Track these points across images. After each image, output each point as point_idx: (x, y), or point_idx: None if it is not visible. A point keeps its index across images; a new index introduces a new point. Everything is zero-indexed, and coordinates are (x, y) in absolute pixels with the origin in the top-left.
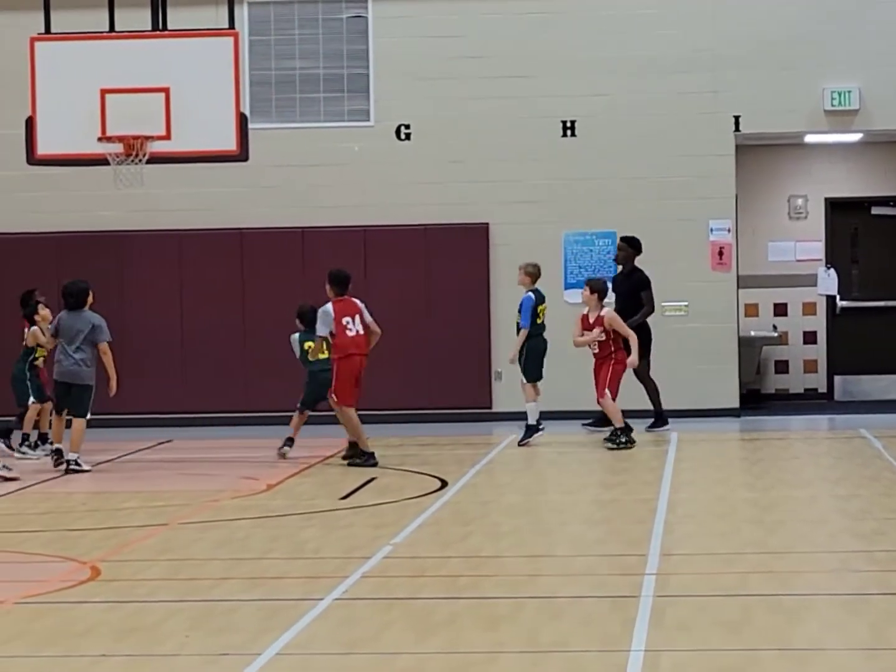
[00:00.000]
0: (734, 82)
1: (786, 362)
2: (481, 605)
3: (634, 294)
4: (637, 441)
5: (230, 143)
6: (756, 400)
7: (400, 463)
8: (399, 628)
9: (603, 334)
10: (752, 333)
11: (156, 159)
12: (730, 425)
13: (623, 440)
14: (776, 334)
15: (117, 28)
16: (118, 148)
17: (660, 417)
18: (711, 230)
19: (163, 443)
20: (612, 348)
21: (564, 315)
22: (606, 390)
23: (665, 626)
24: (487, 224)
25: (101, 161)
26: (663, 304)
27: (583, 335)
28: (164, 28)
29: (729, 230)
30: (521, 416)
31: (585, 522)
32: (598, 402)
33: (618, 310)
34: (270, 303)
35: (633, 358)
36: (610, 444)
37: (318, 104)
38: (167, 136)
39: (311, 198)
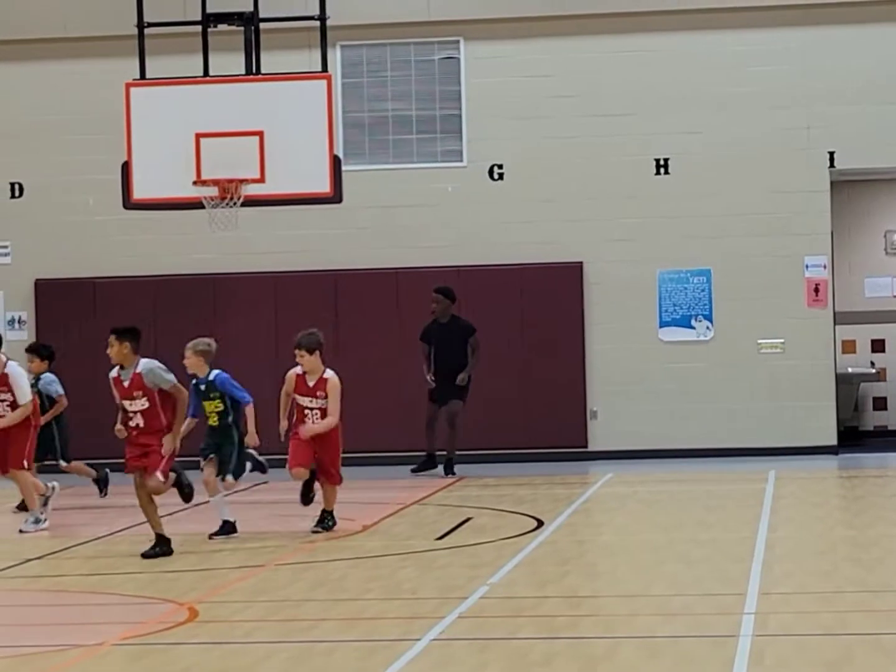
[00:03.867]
0: (828, 118)
1: (884, 399)
2: (578, 646)
3: (461, 342)
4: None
5: (324, 186)
6: (854, 437)
7: (496, 503)
8: (495, 668)
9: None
10: (850, 370)
11: (250, 202)
12: (828, 463)
13: (330, 523)
14: (874, 371)
15: (211, 72)
16: (213, 191)
17: (450, 462)
18: (807, 266)
19: (258, 484)
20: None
21: (661, 353)
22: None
23: (765, 666)
24: (581, 263)
25: (196, 205)
26: (759, 341)
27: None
28: (258, 72)
29: (825, 266)
30: (619, 455)
31: (682, 561)
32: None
33: (441, 361)
34: (365, 344)
35: (317, 428)
36: (317, 529)
37: (411, 145)
38: (261, 180)
39: (404, 238)
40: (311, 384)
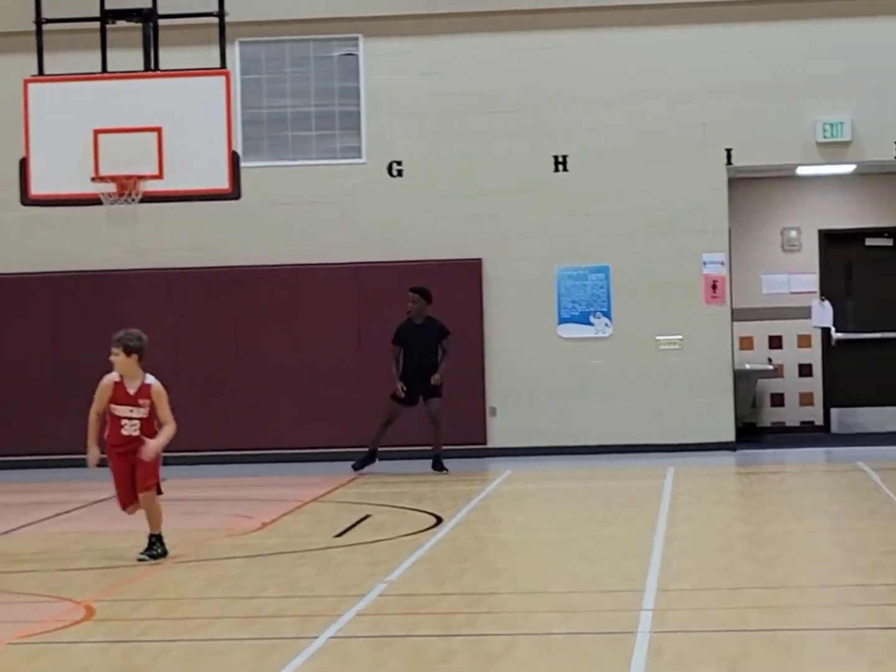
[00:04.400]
0: (725, 115)
1: (781, 395)
2: (476, 643)
3: (434, 343)
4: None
5: (222, 182)
6: (752, 433)
7: (395, 500)
8: (393, 666)
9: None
10: (748, 366)
11: (149, 198)
12: (726, 459)
13: (160, 550)
14: (771, 367)
15: (110, 69)
16: (111, 188)
17: (437, 459)
18: (705, 263)
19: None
20: (157, 427)
21: (560, 349)
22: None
23: (662, 663)
24: (480, 259)
25: (94, 201)
26: (657, 338)
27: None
28: (156, 68)
29: (722, 263)
30: (518, 451)
31: (581, 558)
32: (138, 504)
33: (416, 362)
34: (263, 341)
35: (161, 442)
36: (143, 556)
37: (310, 142)
38: (160, 176)
39: (303, 235)
40: (131, 392)
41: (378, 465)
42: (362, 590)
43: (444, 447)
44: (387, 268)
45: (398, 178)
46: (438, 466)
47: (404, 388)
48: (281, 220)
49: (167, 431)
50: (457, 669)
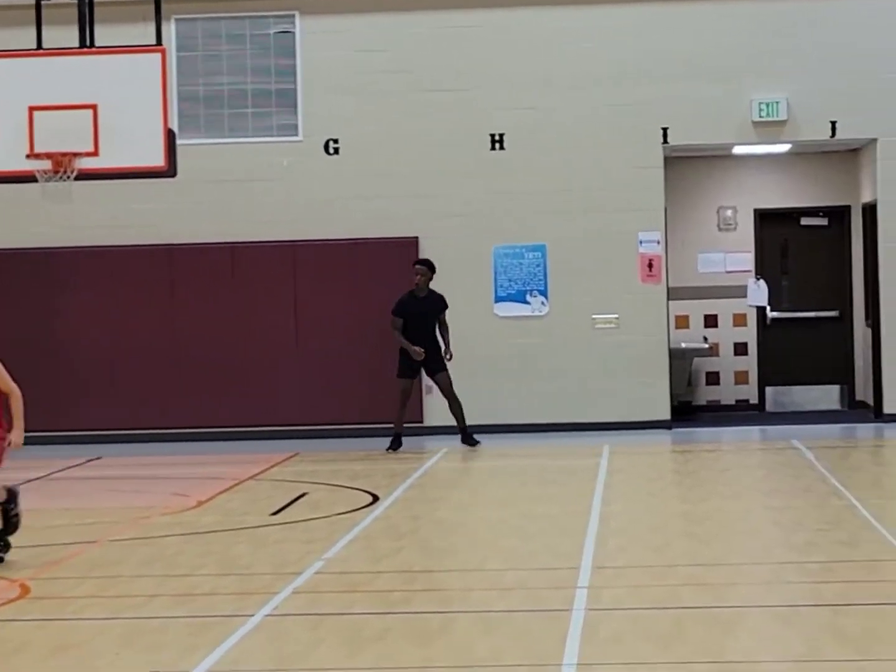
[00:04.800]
0: (661, 95)
1: (717, 374)
2: (413, 620)
3: (434, 317)
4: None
5: (158, 159)
6: (687, 412)
7: (332, 478)
8: (330, 644)
9: None
10: (683, 345)
11: (84, 176)
12: (661, 437)
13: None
14: (707, 346)
15: (45, 46)
16: (46, 165)
17: (465, 433)
18: (641, 242)
19: (92, 460)
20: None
21: (496, 328)
22: None
23: (598, 640)
24: (417, 238)
25: (29, 178)
26: (594, 316)
27: None
28: (92, 45)
29: (658, 242)
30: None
31: (518, 536)
32: None
33: (419, 335)
34: (200, 319)
35: (21, 426)
36: None
37: (246, 119)
38: (95, 153)
39: (240, 213)
40: None
41: (315, 443)
42: (298, 568)
43: (381, 425)
44: (323, 246)
45: (335, 156)
46: (470, 440)
47: (422, 350)
48: (217, 198)
49: (17, 406)
50: (393, 647)
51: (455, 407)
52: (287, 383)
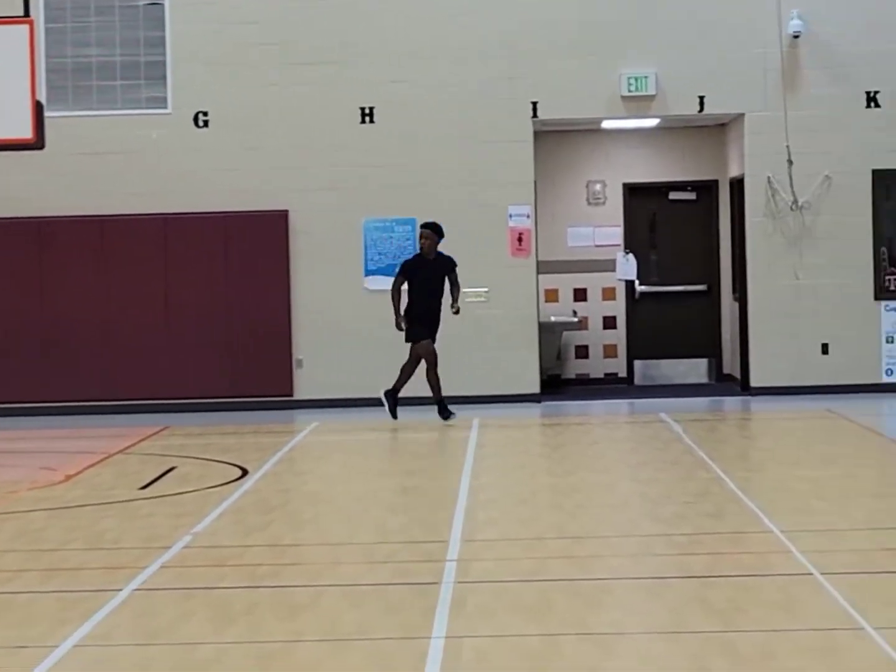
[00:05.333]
0: (531, 69)
1: (586, 347)
2: (281, 594)
3: (442, 279)
4: None
5: (26, 132)
6: (557, 385)
7: (201, 452)
8: (198, 618)
9: None
10: (553, 319)
11: None
12: (531, 411)
13: None
14: (576, 319)
15: None
16: None
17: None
18: (511, 216)
19: None
20: None
21: (366, 301)
22: None
23: (466, 613)
24: (287, 211)
25: None
26: (464, 290)
27: None
28: None
29: (528, 216)
30: (325, 403)
31: (387, 509)
32: None
33: (425, 298)
34: (69, 293)
35: None
36: None
37: (115, 91)
38: None
39: (109, 186)
40: None
41: (185, 417)
42: (167, 542)
43: (252, 398)
44: (193, 219)
45: (204, 129)
46: (447, 413)
47: (405, 323)
48: (86, 171)
49: None
50: (262, 620)
51: (433, 376)
52: (157, 357)
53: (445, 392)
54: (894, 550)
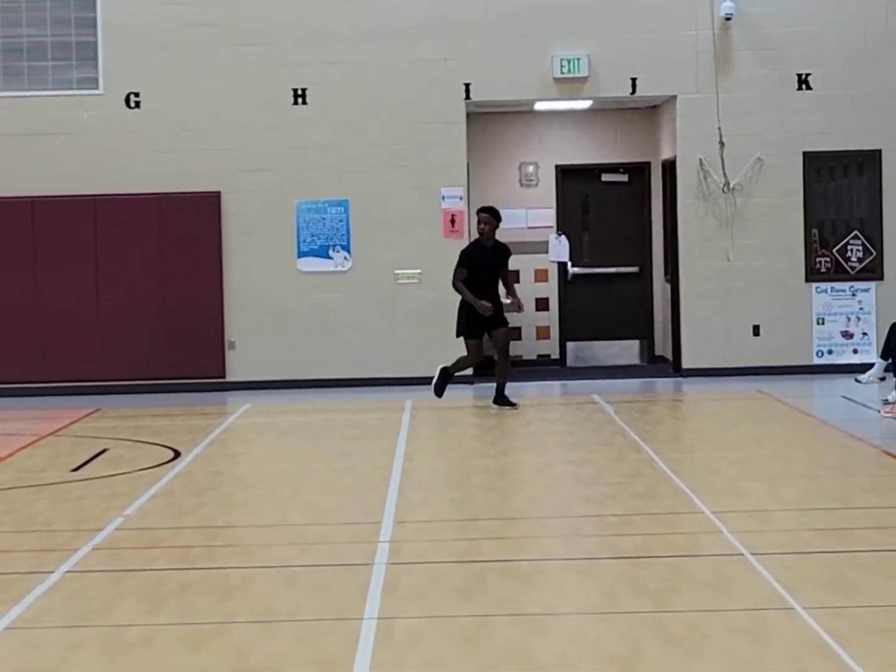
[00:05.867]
0: (464, 50)
1: (519, 329)
2: (214, 576)
3: (499, 267)
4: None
5: None
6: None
7: (133, 434)
8: (130, 600)
9: None
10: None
11: None
12: (464, 392)
13: None
14: (509, 301)
15: None
16: None
17: (500, 393)
18: (443, 198)
19: None
20: None
21: (299, 283)
22: None
23: (399, 594)
24: (219, 192)
25: None
26: (396, 271)
27: None
28: None
29: (461, 198)
30: (257, 385)
31: (319, 491)
32: None
33: (484, 287)
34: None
35: None
36: None
37: (46, 72)
38: None
39: (39, 167)
40: None
41: (117, 399)
42: (99, 524)
43: (184, 381)
44: (125, 200)
45: (136, 110)
46: (505, 400)
47: (489, 305)
48: (16, 151)
49: None
50: (194, 602)
51: (503, 365)
52: (88, 339)
53: (376, 374)
54: (823, 531)
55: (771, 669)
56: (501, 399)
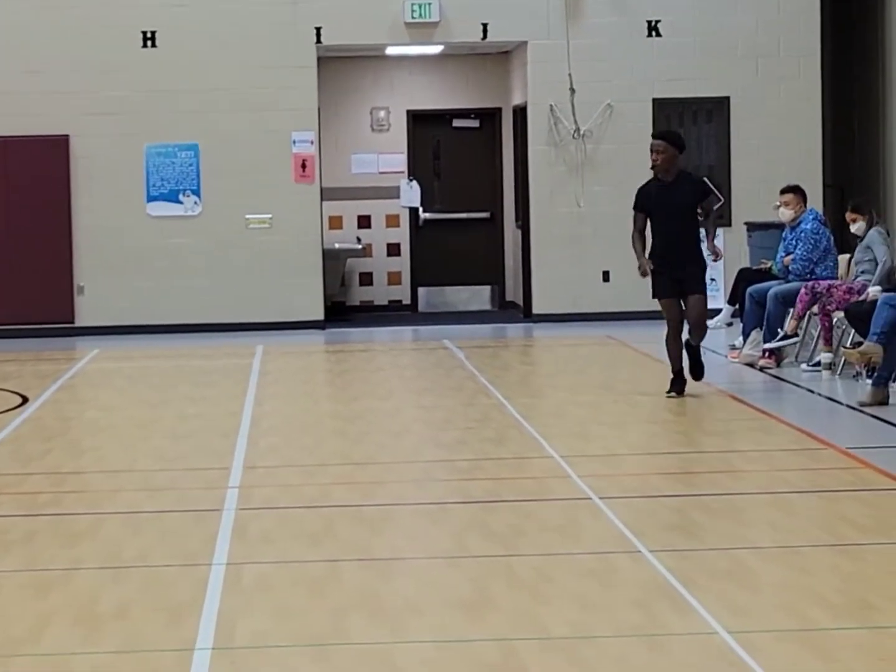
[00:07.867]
0: None
1: (370, 274)
2: (61, 522)
3: (691, 208)
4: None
5: None
6: (341, 312)
7: None
8: None
9: None
10: (337, 246)
11: None
12: (315, 338)
13: None
14: (360, 246)
15: None
16: None
17: (682, 376)
18: (294, 142)
19: None
20: None
21: (149, 228)
22: None
23: (248, 539)
24: (67, 136)
25: None
26: (247, 216)
27: None
28: None
29: (312, 142)
30: (106, 330)
31: (168, 437)
32: None
33: (667, 236)
34: None
35: None
36: None
37: None
38: None
39: None
40: None
41: None
42: None
43: (32, 325)
44: None
45: None
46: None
47: (651, 267)
48: None
49: None
50: (41, 549)
51: (698, 338)
52: None
53: (226, 319)
54: (670, 475)
55: (617, 611)
56: (698, 373)
